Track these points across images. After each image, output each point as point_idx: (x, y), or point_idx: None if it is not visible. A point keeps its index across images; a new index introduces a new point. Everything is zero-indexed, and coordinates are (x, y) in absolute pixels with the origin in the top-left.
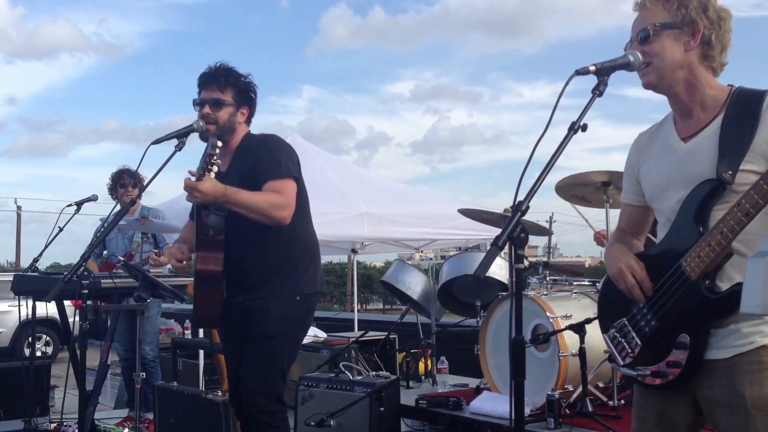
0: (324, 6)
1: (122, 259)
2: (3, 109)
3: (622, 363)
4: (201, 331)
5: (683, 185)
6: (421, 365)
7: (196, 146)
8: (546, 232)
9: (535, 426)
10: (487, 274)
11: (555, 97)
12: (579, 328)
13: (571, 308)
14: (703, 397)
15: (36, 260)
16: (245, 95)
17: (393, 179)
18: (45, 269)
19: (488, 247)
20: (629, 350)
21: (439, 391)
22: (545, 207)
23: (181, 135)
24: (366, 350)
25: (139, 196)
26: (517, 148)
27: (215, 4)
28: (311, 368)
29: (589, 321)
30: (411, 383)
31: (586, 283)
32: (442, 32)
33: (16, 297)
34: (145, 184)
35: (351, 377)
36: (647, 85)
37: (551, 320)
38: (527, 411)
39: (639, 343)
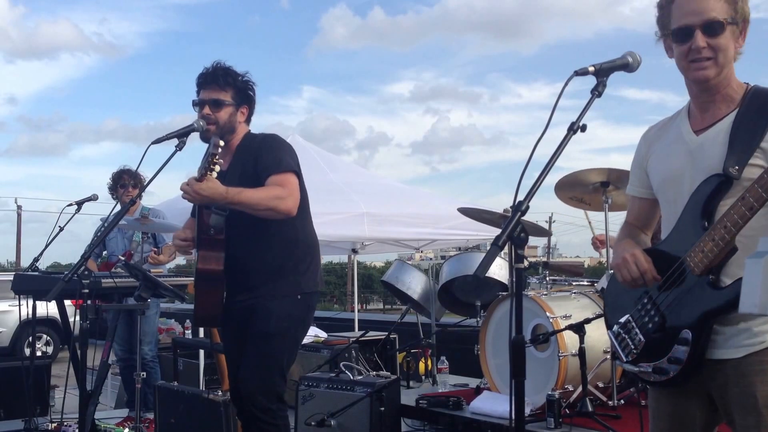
0: (324, 6)
1: (122, 258)
2: (3, 108)
3: (625, 360)
4: (201, 331)
5: (692, 178)
6: (422, 365)
7: (196, 146)
8: (545, 233)
9: (535, 426)
10: (487, 275)
11: (554, 97)
12: (579, 328)
13: (570, 308)
14: (717, 396)
15: (36, 260)
16: (244, 94)
17: (393, 179)
18: (45, 269)
19: (488, 248)
20: (632, 347)
21: (440, 391)
22: (545, 207)
23: (182, 134)
24: (366, 350)
25: (139, 196)
26: (517, 148)
27: (215, 4)
28: (312, 368)
29: (588, 321)
30: (411, 383)
31: (585, 283)
32: (441, 33)
33: (17, 296)
34: (145, 183)
35: (351, 377)
36: (702, 79)
37: (551, 320)
38: (527, 411)
39: (642, 339)
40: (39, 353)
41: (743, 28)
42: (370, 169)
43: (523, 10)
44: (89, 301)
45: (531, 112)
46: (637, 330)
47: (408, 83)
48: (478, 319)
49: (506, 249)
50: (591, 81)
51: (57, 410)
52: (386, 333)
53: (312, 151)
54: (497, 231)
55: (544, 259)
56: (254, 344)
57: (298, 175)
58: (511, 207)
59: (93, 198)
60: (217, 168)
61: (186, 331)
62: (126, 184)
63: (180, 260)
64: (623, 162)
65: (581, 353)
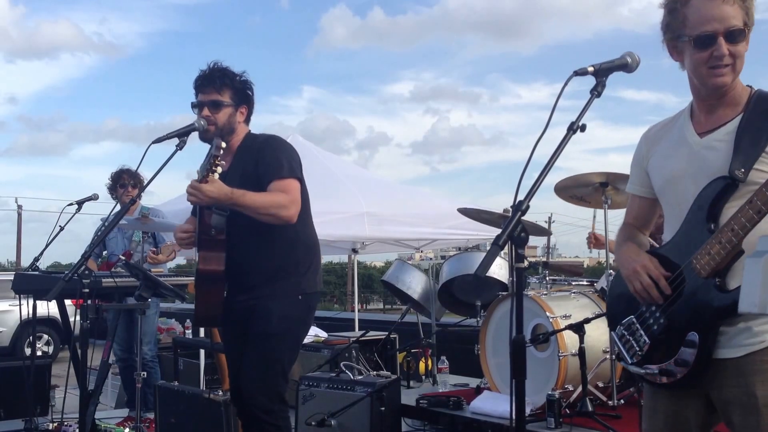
0: (324, 6)
1: (122, 258)
2: (4, 108)
3: (630, 361)
4: (202, 331)
5: (696, 180)
6: (422, 365)
7: (196, 146)
8: (545, 232)
9: (535, 426)
10: (487, 274)
11: (553, 98)
12: (578, 328)
13: (570, 308)
14: (715, 396)
15: (37, 259)
16: (242, 94)
17: (393, 179)
18: (46, 268)
19: (488, 247)
20: (637, 348)
21: (440, 390)
22: (544, 207)
23: (182, 134)
24: (367, 350)
25: (138, 196)
26: (516, 148)
27: (215, 4)
28: (312, 368)
29: (588, 321)
30: (411, 383)
31: (585, 283)
32: (441, 33)
33: (17, 296)
34: (145, 183)
35: (352, 377)
36: (721, 85)
37: (551, 320)
38: (527, 411)
39: (648, 341)
40: (39, 353)
41: (749, 32)
42: (370, 169)
43: (523, 10)
44: (89, 301)
45: (530, 112)
46: (641, 332)
47: (408, 83)
48: (479, 318)
49: (506, 249)
50: (590, 81)
51: (57, 410)
52: (386, 333)
53: (314, 151)
54: (497, 231)
55: (544, 259)
56: (255, 344)
57: (301, 179)
58: (511, 207)
59: (93, 198)
60: (219, 169)
61: (186, 331)
62: (125, 183)
63: (180, 260)
64: (622, 162)
65: (581, 353)
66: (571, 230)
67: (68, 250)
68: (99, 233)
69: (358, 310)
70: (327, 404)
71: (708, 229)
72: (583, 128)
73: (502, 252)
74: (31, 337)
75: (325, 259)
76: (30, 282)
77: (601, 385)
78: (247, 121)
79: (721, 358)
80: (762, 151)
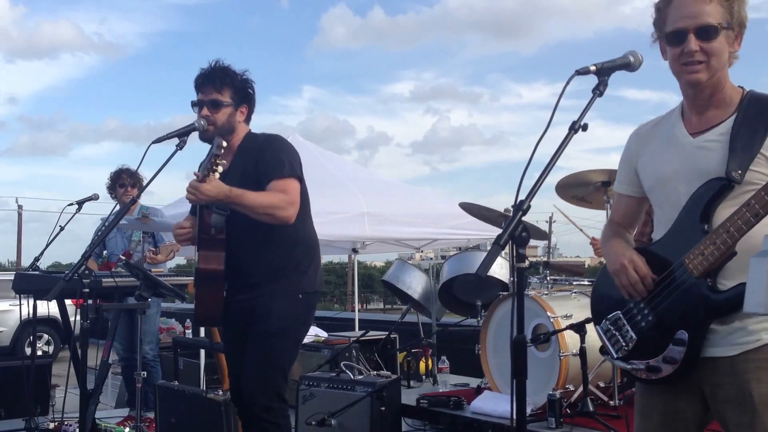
0: (324, 6)
1: (123, 258)
2: (4, 108)
3: (615, 356)
4: (202, 331)
5: (689, 180)
6: (422, 365)
7: (196, 146)
8: (545, 236)
9: (536, 426)
10: (488, 274)
11: (554, 97)
12: (579, 328)
13: (571, 308)
14: (709, 394)
15: (37, 259)
16: (243, 93)
17: (394, 179)
18: (46, 268)
19: (489, 247)
20: (623, 343)
21: (440, 390)
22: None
23: (182, 134)
24: (367, 350)
25: (138, 196)
26: (517, 148)
27: (215, 4)
28: (312, 368)
29: (589, 320)
30: (412, 383)
31: (586, 282)
32: (441, 33)
33: (17, 296)
34: (144, 183)
35: (352, 377)
36: (694, 82)
37: (552, 320)
38: (528, 411)
39: (634, 336)
40: (40, 353)
41: (739, 33)
42: (370, 169)
43: (523, 10)
44: (90, 301)
45: (531, 112)
46: (628, 327)
47: (408, 83)
48: (479, 318)
49: (507, 249)
50: (591, 81)
51: (58, 409)
52: (387, 333)
53: (314, 150)
54: (498, 230)
55: (545, 259)
56: (255, 344)
57: (300, 179)
58: (512, 206)
59: (93, 198)
60: (220, 169)
61: (186, 331)
62: (125, 183)
63: (180, 260)
64: None
65: (582, 353)
66: (572, 230)
67: (68, 250)
68: (99, 233)
69: (359, 310)
70: (327, 404)
71: (701, 230)
72: (584, 128)
73: (503, 252)
74: (31, 337)
75: (325, 259)
76: (30, 282)
77: (602, 385)
78: (248, 120)
79: (715, 356)
80: (758, 152)
